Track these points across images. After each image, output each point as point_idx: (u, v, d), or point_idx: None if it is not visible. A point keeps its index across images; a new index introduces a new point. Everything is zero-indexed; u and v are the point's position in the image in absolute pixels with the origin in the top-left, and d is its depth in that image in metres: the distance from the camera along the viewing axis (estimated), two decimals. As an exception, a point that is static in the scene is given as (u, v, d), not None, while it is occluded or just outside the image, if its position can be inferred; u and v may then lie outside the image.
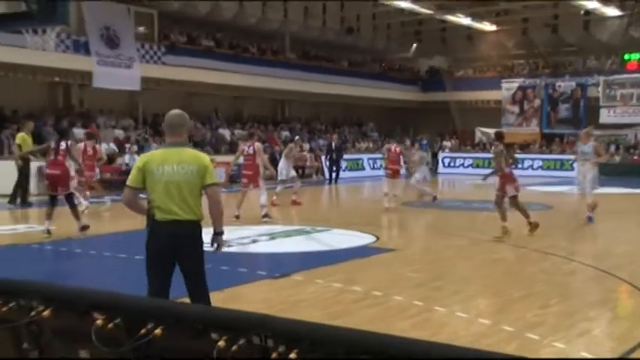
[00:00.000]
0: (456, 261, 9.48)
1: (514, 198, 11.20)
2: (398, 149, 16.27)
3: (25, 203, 15.58)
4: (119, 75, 22.03)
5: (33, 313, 2.86)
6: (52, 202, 10.96)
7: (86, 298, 2.90)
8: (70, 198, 11.02)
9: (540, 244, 10.70)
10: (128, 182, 4.76)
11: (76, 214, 11.04)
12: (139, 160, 4.83)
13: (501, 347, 5.20)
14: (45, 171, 12.03)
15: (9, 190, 15.62)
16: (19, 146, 15.25)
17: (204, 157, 4.89)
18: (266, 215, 13.03)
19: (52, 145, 11.30)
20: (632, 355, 5.19)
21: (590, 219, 13.05)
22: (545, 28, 34.19)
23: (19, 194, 15.52)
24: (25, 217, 14.50)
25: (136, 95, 23.86)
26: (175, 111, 5.00)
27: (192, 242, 4.72)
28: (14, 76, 20.27)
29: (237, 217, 12.81)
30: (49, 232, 10.73)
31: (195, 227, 4.72)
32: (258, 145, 13.45)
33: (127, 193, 4.78)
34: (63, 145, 11.11)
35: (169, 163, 4.67)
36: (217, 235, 4.95)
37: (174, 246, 4.67)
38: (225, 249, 10.04)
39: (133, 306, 2.80)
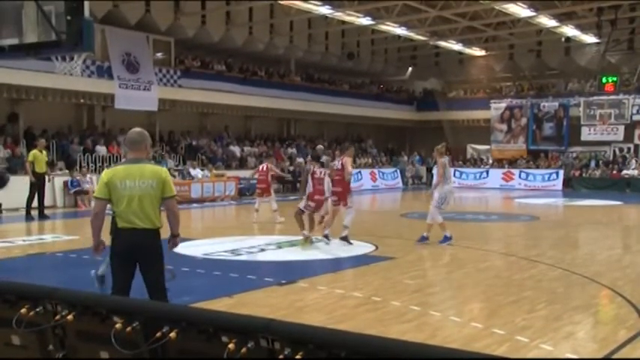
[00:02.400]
0: (450, 268, 9.43)
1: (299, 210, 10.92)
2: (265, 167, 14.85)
3: (43, 216, 15.35)
4: (138, 97, 22.13)
5: (58, 317, 2.85)
6: None
7: (106, 303, 2.89)
8: None
9: (528, 252, 10.66)
10: (96, 194, 4.97)
11: None
12: (105, 176, 4.94)
13: (492, 349, 5.16)
14: None
15: (35, 203, 15.58)
16: (32, 163, 15.15)
17: (163, 172, 5.02)
18: (345, 238, 11.01)
19: None
20: (615, 356, 5.14)
21: (423, 239, 11.16)
22: (530, 53, 34.27)
23: (39, 207, 15.38)
24: (52, 227, 14.52)
25: (154, 115, 23.94)
26: (136, 129, 5.13)
27: (148, 247, 4.90)
28: (43, 98, 20.38)
29: (327, 236, 11.22)
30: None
31: (152, 234, 4.88)
32: (346, 159, 11.18)
33: (97, 204, 4.98)
34: None
35: (131, 178, 4.82)
36: (174, 237, 5.17)
37: (133, 250, 4.86)
38: (235, 257, 10.07)
39: (149, 311, 2.78)
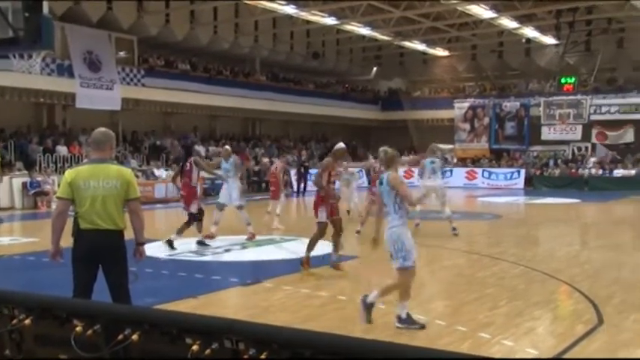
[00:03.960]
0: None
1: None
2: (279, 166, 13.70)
3: None
4: (101, 96, 21.77)
5: (15, 322, 2.79)
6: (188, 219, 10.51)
7: (66, 306, 2.83)
8: (192, 215, 10.56)
9: (491, 250, 10.83)
10: (59, 194, 4.88)
11: (199, 228, 10.74)
12: (68, 175, 4.85)
13: (455, 346, 5.23)
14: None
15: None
16: None
17: (128, 173, 4.97)
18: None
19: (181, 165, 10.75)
20: (572, 351, 5.25)
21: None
22: (492, 53, 34.87)
23: None
24: (9, 230, 14.16)
25: (117, 115, 23.58)
26: (101, 129, 5.07)
27: (111, 248, 4.82)
28: (1, 97, 19.87)
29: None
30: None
31: (115, 236, 4.80)
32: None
33: (60, 204, 4.86)
34: (187, 165, 10.64)
35: (95, 178, 4.75)
36: (139, 245, 5.06)
37: (95, 252, 4.78)
38: (199, 258, 9.99)
39: (111, 313, 2.74)
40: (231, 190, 11.64)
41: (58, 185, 11.93)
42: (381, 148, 6.44)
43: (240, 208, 11.77)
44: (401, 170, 8.01)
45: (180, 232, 10.50)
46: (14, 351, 2.84)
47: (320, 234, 8.63)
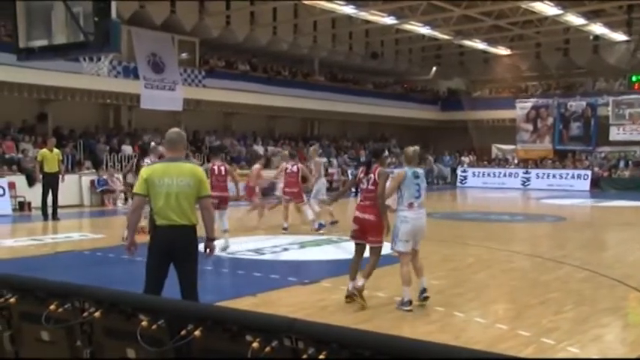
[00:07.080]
0: (475, 269, 9.34)
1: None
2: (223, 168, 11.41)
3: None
4: (164, 97, 22.36)
5: (85, 314, 2.90)
6: None
7: (133, 300, 2.93)
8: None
9: (554, 253, 10.51)
10: (136, 190, 5.06)
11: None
12: (144, 173, 5.04)
13: (518, 351, 5.10)
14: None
15: (64, 202, 15.55)
16: (40, 162, 14.52)
17: (200, 171, 5.13)
18: None
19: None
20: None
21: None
22: (557, 51, 33.82)
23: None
24: (79, 226, 14.71)
25: (179, 115, 24.15)
26: (174, 129, 5.31)
27: (186, 244, 4.96)
28: (71, 99, 20.72)
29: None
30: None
31: (189, 231, 4.96)
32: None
33: (137, 200, 5.07)
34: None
35: (169, 175, 4.91)
36: (210, 241, 5.19)
37: (170, 247, 4.91)
38: (258, 256, 10.10)
39: (174, 308, 2.81)
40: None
41: (123, 184, 12.30)
42: (411, 148, 7.01)
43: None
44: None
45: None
46: (85, 342, 2.96)
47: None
